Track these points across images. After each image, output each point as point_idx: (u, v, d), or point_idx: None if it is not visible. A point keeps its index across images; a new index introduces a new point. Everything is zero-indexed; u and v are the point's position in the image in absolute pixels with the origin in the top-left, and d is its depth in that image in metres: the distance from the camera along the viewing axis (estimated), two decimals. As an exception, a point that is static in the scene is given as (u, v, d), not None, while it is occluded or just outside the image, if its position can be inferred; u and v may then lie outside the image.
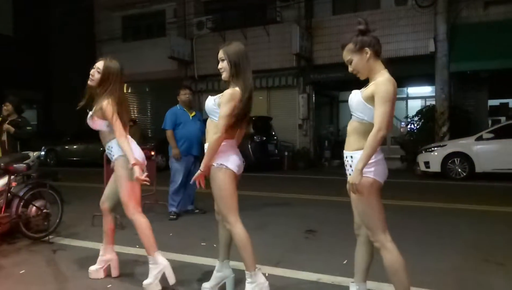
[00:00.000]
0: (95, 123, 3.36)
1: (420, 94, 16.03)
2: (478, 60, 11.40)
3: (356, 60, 2.44)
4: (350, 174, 2.40)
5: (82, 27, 18.56)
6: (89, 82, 3.40)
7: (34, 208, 4.65)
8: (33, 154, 5.19)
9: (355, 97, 2.46)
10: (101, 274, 3.45)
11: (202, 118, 6.13)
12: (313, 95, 14.70)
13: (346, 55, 2.47)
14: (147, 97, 17.53)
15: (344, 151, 2.49)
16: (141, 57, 16.24)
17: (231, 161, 2.86)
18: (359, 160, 2.32)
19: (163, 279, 3.20)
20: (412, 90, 16.18)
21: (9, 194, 4.48)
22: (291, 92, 14.75)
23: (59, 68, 20.32)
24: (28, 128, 6.01)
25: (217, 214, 3.07)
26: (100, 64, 3.35)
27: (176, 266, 3.73)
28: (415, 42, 12.70)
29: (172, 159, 6.03)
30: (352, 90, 2.62)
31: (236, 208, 2.87)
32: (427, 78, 13.03)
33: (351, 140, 2.46)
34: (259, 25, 14.55)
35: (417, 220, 5.58)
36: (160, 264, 3.24)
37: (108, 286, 3.30)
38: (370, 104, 2.36)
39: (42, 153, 15.14)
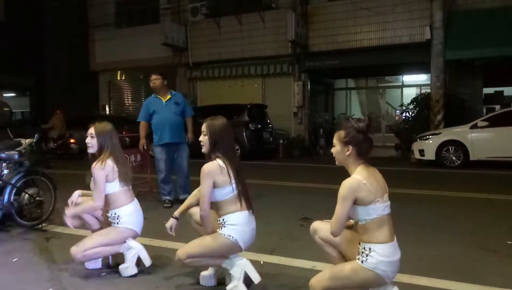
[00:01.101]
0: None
1: (415, 82, 16.01)
2: (474, 48, 11.34)
3: (338, 149, 2.49)
4: (362, 261, 2.37)
5: (75, 12, 18.28)
6: (89, 151, 3.39)
7: (26, 195, 4.61)
8: (25, 142, 5.13)
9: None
10: (99, 264, 3.43)
11: (181, 100, 5.90)
12: (308, 83, 14.62)
13: (335, 138, 2.52)
14: (140, 84, 17.35)
15: (362, 243, 2.42)
16: (134, 43, 16.06)
17: (243, 238, 2.86)
18: None
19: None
20: (407, 78, 16.15)
21: (1, 182, 4.44)
22: (286, 79, 14.65)
23: (52, 55, 20.06)
24: (5, 109, 5.87)
25: (189, 217, 3.14)
26: (91, 130, 3.35)
27: (171, 255, 3.72)
28: (410, 29, 12.61)
29: (154, 148, 5.94)
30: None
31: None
32: (422, 66, 12.99)
33: (365, 237, 2.41)
34: (254, 12, 14.36)
35: (412, 208, 5.59)
36: (133, 248, 3.30)
37: (102, 274, 3.29)
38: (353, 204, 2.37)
39: (35, 140, 15.02)
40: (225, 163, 2.86)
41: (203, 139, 2.95)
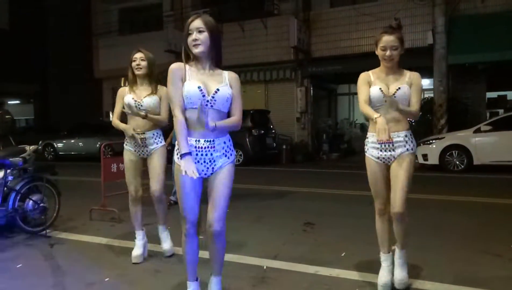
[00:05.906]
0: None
1: (418, 86, 16.00)
2: (477, 52, 11.36)
3: (399, 51, 2.80)
4: (407, 149, 2.80)
5: (79, 20, 18.46)
6: (137, 72, 3.63)
7: (31, 202, 4.63)
8: (29, 148, 5.16)
9: (408, 92, 2.92)
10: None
11: None
12: (311, 88, 14.65)
13: (395, 41, 2.78)
14: (144, 91, 17.44)
15: (398, 132, 2.83)
16: (138, 50, 16.14)
17: None
18: (407, 110, 2.85)
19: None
20: (410, 83, 16.14)
21: (5, 188, 4.46)
22: (289, 85, 14.70)
23: (56, 62, 20.24)
24: (7, 116, 5.94)
25: (199, 228, 2.57)
26: (141, 54, 3.63)
27: (174, 260, 3.73)
28: (413, 34, 12.63)
29: None
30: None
31: None
32: (425, 70, 12.94)
33: (399, 124, 2.87)
34: (256, 18, 14.46)
35: (415, 212, 5.55)
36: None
37: (106, 279, 3.30)
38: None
39: (39, 147, 15.09)
40: None
41: (200, 36, 2.32)
